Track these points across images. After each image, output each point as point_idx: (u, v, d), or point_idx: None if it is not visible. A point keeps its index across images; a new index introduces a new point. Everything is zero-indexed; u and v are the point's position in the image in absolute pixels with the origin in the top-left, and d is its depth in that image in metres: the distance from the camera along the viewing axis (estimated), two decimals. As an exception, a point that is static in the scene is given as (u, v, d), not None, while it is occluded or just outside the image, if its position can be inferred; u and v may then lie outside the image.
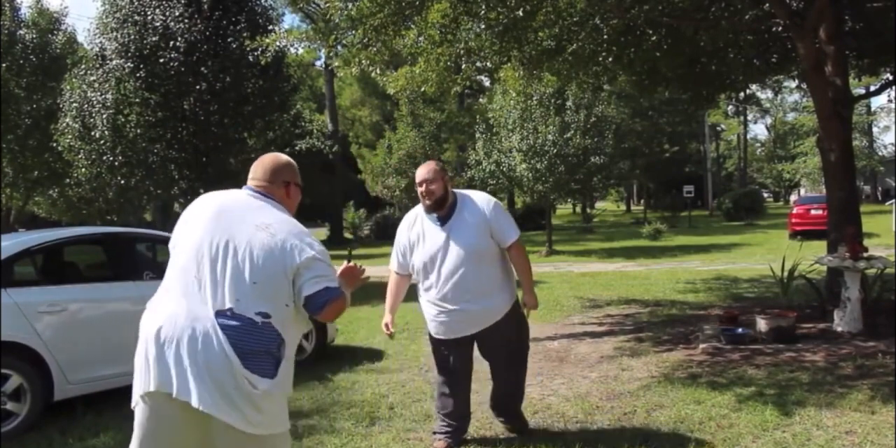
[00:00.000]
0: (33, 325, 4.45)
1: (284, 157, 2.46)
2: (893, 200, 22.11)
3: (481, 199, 3.51)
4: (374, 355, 6.38)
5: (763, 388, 4.70)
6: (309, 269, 2.13)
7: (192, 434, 2.14)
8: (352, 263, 2.44)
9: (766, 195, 51.42)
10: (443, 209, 3.48)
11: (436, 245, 3.47)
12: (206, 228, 2.21)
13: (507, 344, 3.61)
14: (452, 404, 3.67)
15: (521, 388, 3.85)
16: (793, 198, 42.83)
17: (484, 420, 4.18)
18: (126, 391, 4.95)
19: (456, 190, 3.58)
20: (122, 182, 13.93)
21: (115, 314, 4.96)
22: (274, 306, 2.12)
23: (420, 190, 3.50)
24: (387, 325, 3.73)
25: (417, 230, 3.57)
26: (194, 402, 2.03)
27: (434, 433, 3.76)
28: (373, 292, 11.44)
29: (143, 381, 2.13)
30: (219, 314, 2.09)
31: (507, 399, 3.82)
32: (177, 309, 2.13)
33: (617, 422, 4.11)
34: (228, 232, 2.18)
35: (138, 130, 13.50)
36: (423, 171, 3.52)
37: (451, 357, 3.63)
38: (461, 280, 3.41)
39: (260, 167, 2.39)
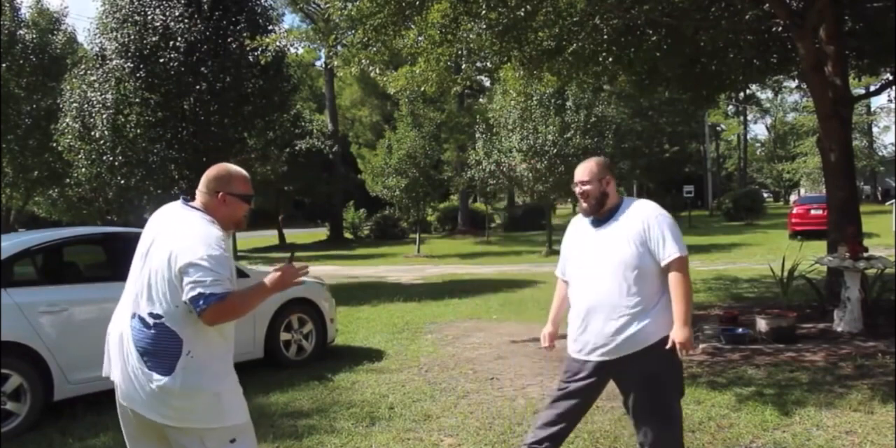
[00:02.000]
0: (33, 325, 4.45)
1: (222, 168, 2.54)
2: (893, 200, 22.11)
3: (645, 207, 3.01)
4: (374, 355, 6.38)
5: (763, 388, 4.70)
6: (187, 274, 2.22)
7: (146, 427, 2.40)
8: (291, 265, 2.44)
9: (766, 195, 51.40)
10: (600, 213, 3.04)
11: (585, 251, 3.06)
12: (142, 240, 2.48)
13: (648, 383, 2.89)
14: (551, 424, 3.08)
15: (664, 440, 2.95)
16: (793, 198, 42.82)
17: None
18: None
19: (626, 198, 3.14)
20: (122, 182, 13.91)
21: (115, 314, 4.96)
22: (164, 308, 2.29)
23: (576, 191, 3.09)
24: (546, 336, 3.26)
25: (576, 234, 3.19)
26: (119, 398, 2.40)
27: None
28: (372, 292, 11.51)
29: (105, 370, 2.52)
30: (132, 317, 2.36)
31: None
32: (117, 315, 2.49)
33: (617, 422, 4.11)
34: (150, 243, 2.41)
35: (138, 130, 13.50)
36: (578, 171, 3.07)
37: (574, 376, 3.06)
38: (604, 294, 2.92)
39: (203, 177, 2.54)
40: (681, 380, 3.07)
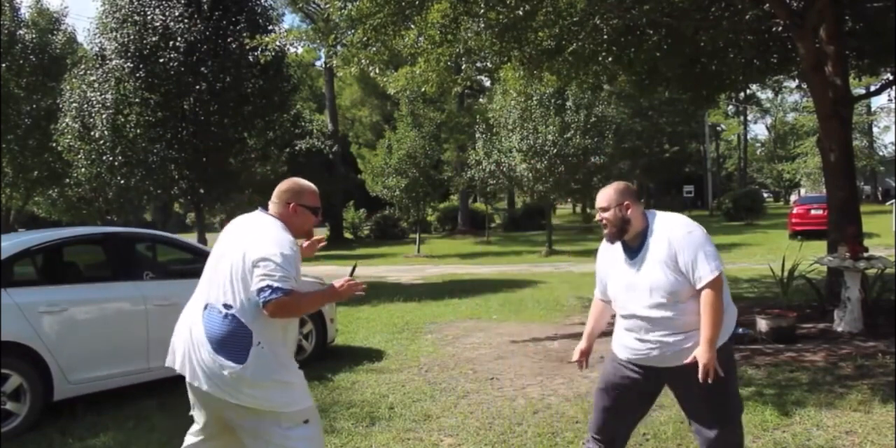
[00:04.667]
0: (33, 325, 4.44)
1: (293, 182, 2.77)
2: (893, 200, 22.11)
3: (674, 227, 2.93)
4: (374, 355, 6.38)
5: (763, 388, 4.70)
6: (258, 268, 2.40)
7: (212, 407, 2.55)
8: (352, 279, 2.63)
9: (766, 195, 51.39)
10: (629, 239, 3.01)
11: (625, 278, 3.02)
12: (220, 243, 2.70)
13: (699, 394, 2.91)
14: (604, 425, 3.16)
15: (720, 443, 2.95)
16: (793, 198, 42.81)
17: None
18: (126, 391, 4.97)
19: (652, 212, 3.05)
20: (122, 182, 13.92)
21: (115, 314, 4.97)
22: (236, 301, 2.45)
23: (596, 218, 3.08)
24: (579, 352, 3.23)
25: (609, 259, 3.14)
26: (191, 380, 2.49)
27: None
28: (372, 292, 11.49)
29: (170, 359, 2.63)
30: (204, 308, 2.52)
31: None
32: (189, 307, 2.64)
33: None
34: (228, 243, 2.62)
35: (138, 130, 13.50)
36: (598, 198, 3.05)
37: (623, 382, 3.09)
38: (654, 316, 2.93)
39: (275, 189, 2.75)
40: (734, 376, 3.08)
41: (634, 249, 3.00)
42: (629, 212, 2.97)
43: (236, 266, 2.47)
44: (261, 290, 2.36)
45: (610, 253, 3.13)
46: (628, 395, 3.09)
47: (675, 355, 2.90)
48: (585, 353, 3.23)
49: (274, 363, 2.47)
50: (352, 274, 2.70)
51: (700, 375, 2.76)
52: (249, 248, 2.47)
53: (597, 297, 3.29)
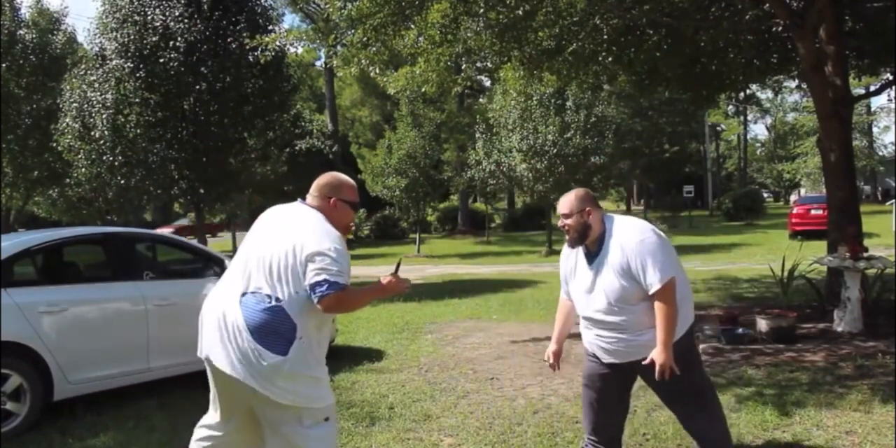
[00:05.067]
0: (33, 325, 4.44)
1: (334, 176, 2.77)
2: (893, 200, 22.11)
3: (628, 234, 3.07)
4: (374, 355, 6.38)
5: (763, 388, 4.70)
6: (313, 262, 2.38)
7: (237, 394, 2.51)
8: (397, 275, 2.65)
9: (766, 195, 51.38)
10: (589, 243, 3.17)
11: (584, 282, 3.20)
12: (256, 232, 2.66)
13: (667, 385, 3.09)
14: (597, 425, 3.36)
15: (701, 424, 3.22)
16: (793, 198, 42.79)
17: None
18: (126, 391, 4.97)
19: (610, 216, 3.20)
20: (122, 182, 13.92)
21: (115, 314, 4.97)
22: (286, 292, 2.41)
23: (559, 224, 3.27)
24: (550, 356, 3.40)
25: (571, 263, 3.32)
26: (219, 365, 2.45)
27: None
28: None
29: (200, 348, 2.58)
30: (242, 295, 2.46)
31: (691, 433, 3.33)
32: (219, 294, 2.58)
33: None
34: (268, 233, 2.59)
35: (138, 130, 13.50)
36: (559, 205, 3.23)
37: (599, 377, 3.31)
38: (610, 320, 3.12)
39: (314, 184, 2.74)
40: (697, 363, 3.30)
41: (593, 254, 3.17)
42: (590, 218, 3.14)
43: (286, 257, 2.43)
44: (318, 284, 2.35)
45: (572, 256, 3.31)
46: (608, 388, 3.30)
47: (633, 351, 3.11)
48: (557, 355, 3.41)
49: (311, 358, 2.47)
50: (396, 270, 2.70)
51: (657, 375, 2.96)
52: (302, 240, 2.43)
53: (562, 298, 3.46)
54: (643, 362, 3.02)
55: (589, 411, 3.38)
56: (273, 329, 2.39)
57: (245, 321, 2.40)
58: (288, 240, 2.46)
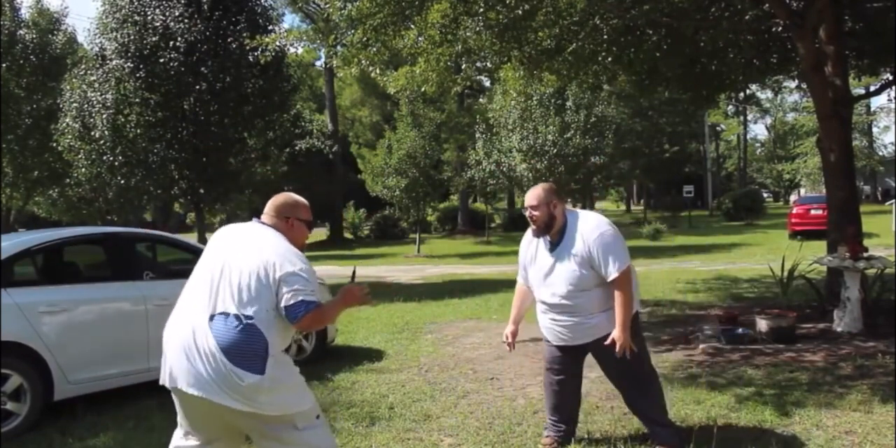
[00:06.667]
0: (33, 325, 4.44)
1: (289, 196, 2.83)
2: (893, 200, 22.11)
3: (588, 228, 3.41)
4: (374, 355, 6.38)
5: (763, 388, 4.70)
6: (287, 283, 2.43)
7: (214, 415, 2.50)
8: (354, 283, 2.70)
9: (766, 195, 51.38)
10: (551, 234, 3.49)
11: (543, 268, 3.52)
12: (214, 251, 2.67)
13: (617, 362, 3.45)
14: (557, 404, 3.72)
15: (648, 406, 3.64)
16: (793, 198, 42.78)
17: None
18: (126, 391, 4.97)
19: (571, 211, 3.54)
20: (122, 182, 13.93)
21: (115, 314, 4.97)
22: (256, 311, 2.43)
23: (526, 214, 3.55)
24: (507, 336, 3.73)
25: (532, 251, 3.63)
26: (193, 391, 2.41)
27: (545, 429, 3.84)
28: (372, 292, 11.47)
29: (163, 377, 2.56)
30: (210, 318, 2.45)
31: (633, 410, 3.76)
32: (182, 317, 2.54)
33: (617, 422, 4.11)
34: (228, 252, 2.59)
35: (138, 130, 13.51)
36: (527, 196, 3.53)
37: (558, 359, 3.68)
38: (565, 303, 3.47)
39: (269, 204, 2.79)
40: (643, 346, 3.66)
41: (555, 243, 3.49)
42: (555, 210, 3.46)
43: (256, 277, 2.44)
44: (294, 305, 2.40)
45: (532, 245, 3.63)
46: (565, 369, 3.68)
47: (585, 332, 3.49)
48: (514, 335, 3.75)
49: (285, 369, 2.52)
50: (353, 279, 2.77)
51: (618, 353, 3.32)
52: (272, 261, 2.46)
53: (519, 283, 3.83)
54: (605, 342, 3.35)
55: (550, 393, 3.74)
56: (247, 349, 2.40)
57: (217, 343, 2.40)
58: (254, 260, 2.48)
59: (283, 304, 2.41)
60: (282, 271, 2.44)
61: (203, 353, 2.40)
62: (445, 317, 8.67)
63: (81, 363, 4.65)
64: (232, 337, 2.39)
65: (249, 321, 2.41)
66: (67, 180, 18.38)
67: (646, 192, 40.97)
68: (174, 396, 2.58)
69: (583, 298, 3.42)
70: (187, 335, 2.45)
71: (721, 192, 45.17)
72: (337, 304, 2.65)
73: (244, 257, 2.51)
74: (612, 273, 3.32)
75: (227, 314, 2.42)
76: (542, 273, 3.53)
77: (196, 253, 5.82)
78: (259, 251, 2.51)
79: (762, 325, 6.08)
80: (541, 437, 3.82)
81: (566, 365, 3.67)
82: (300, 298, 2.40)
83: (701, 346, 6.01)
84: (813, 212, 18.87)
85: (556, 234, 3.47)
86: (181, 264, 6.05)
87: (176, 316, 2.58)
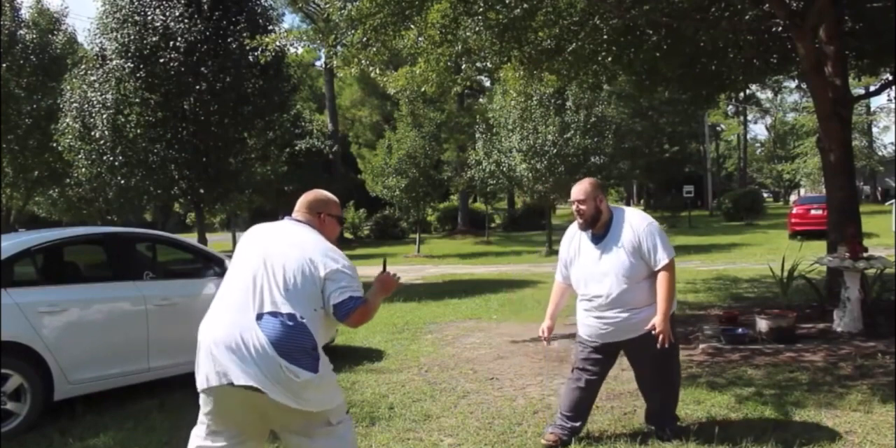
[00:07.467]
0: (33, 325, 4.44)
1: (320, 193, 2.90)
2: (893, 200, 22.09)
3: (636, 220, 3.56)
4: (374, 355, 6.38)
5: (763, 388, 4.70)
6: (334, 281, 2.48)
7: (257, 413, 2.51)
8: (387, 271, 2.76)
9: (766, 195, 51.36)
10: (596, 227, 3.59)
11: (589, 262, 3.60)
12: (250, 250, 2.66)
13: (653, 358, 3.58)
14: (577, 402, 3.76)
15: (667, 401, 3.80)
16: (793, 198, 42.78)
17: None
18: (126, 391, 4.97)
19: (614, 207, 3.67)
20: (122, 182, 13.91)
21: (115, 314, 4.97)
22: (305, 310, 2.46)
23: (572, 208, 3.64)
24: (544, 330, 3.80)
25: (575, 245, 3.71)
26: (244, 382, 2.37)
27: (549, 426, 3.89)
28: (373, 292, 11.48)
29: (203, 378, 2.50)
30: (258, 317, 2.45)
31: (652, 409, 3.84)
32: (224, 317, 2.52)
33: (617, 422, 4.11)
34: (267, 251, 2.59)
35: (138, 130, 13.50)
36: (574, 191, 3.61)
37: (591, 360, 3.73)
38: (611, 297, 3.52)
39: (300, 201, 2.84)
40: (676, 348, 3.69)
41: (599, 236, 3.59)
42: (602, 204, 3.59)
43: (301, 276, 2.47)
44: (343, 302, 2.45)
45: (574, 241, 3.72)
46: (598, 372, 3.74)
47: (629, 328, 3.53)
48: (550, 330, 3.82)
49: (327, 364, 2.54)
50: (384, 268, 2.81)
51: (659, 342, 3.39)
52: (316, 258, 2.50)
53: (558, 280, 3.88)
54: (644, 328, 3.43)
55: (573, 391, 3.76)
56: (298, 347, 2.42)
57: (269, 341, 2.39)
58: (297, 258, 2.52)
59: (331, 301, 2.46)
60: (326, 269, 2.48)
61: (255, 351, 2.39)
62: (445, 317, 8.67)
63: (81, 363, 4.65)
64: (284, 335, 2.40)
65: (301, 320, 2.43)
66: (67, 180, 18.36)
67: (646, 192, 40.99)
68: (208, 397, 2.54)
69: (631, 292, 3.48)
70: (233, 334, 2.43)
71: (721, 192, 45.13)
72: (377, 294, 2.69)
73: (286, 255, 2.53)
74: (662, 260, 3.44)
75: (276, 313, 2.43)
76: (589, 265, 3.60)
77: (196, 253, 5.84)
78: (301, 249, 2.55)
79: (762, 325, 6.09)
80: (541, 437, 3.82)
81: (600, 366, 3.73)
82: (348, 295, 2.45)
83: (701, 346, 6.02)
84: (813, 212, 18.87)
85: (601, 228, 3.57)
86: (181, 264, 6.07)
87: (215, 316, 2.55)
